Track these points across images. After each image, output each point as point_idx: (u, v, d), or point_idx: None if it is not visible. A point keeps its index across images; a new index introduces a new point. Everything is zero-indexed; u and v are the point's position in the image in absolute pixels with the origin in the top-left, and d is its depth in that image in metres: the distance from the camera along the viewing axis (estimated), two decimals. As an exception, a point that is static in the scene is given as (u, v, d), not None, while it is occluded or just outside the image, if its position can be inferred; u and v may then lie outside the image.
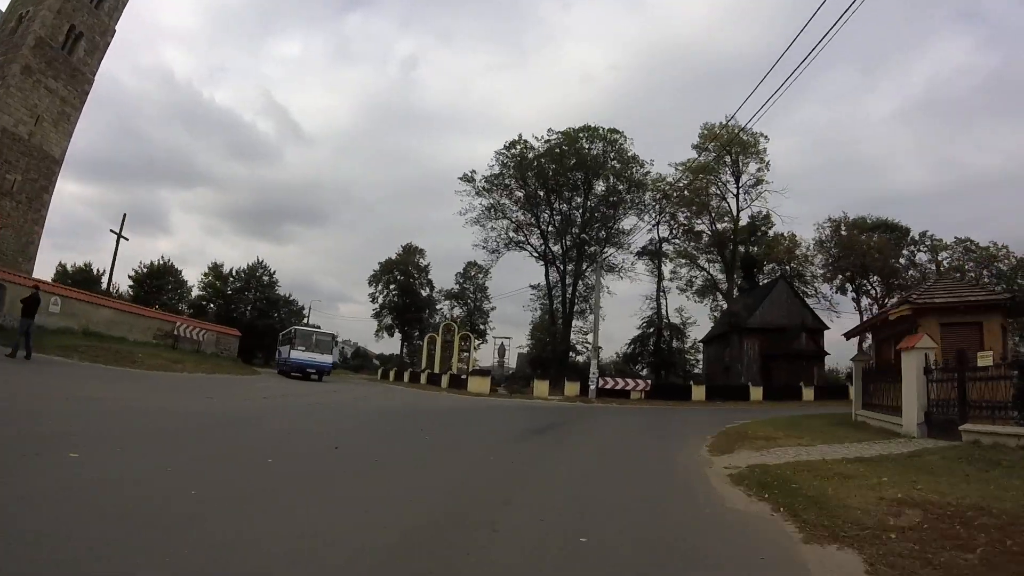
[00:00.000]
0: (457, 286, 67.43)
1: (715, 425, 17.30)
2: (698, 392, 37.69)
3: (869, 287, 56.58)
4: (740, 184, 45.61)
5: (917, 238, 56.41)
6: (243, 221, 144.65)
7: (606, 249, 51.88)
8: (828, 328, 51.91)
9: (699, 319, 63.03)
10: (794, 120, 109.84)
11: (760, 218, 45.39)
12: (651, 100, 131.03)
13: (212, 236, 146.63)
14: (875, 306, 57.24)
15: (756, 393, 38.04)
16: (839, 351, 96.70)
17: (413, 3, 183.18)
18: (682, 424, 20.17)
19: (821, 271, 58.89)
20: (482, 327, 66.37)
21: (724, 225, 46.74)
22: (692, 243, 49.61)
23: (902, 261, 55.83)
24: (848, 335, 28.30)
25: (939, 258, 58.89)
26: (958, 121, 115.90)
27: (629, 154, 49.12)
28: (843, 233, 56.03)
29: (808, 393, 38.63)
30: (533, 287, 56.36)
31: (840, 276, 56.85)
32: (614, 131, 49.11)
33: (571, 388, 35.98)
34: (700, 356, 65.33)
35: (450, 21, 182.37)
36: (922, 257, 57.55)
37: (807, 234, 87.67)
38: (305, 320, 63.68)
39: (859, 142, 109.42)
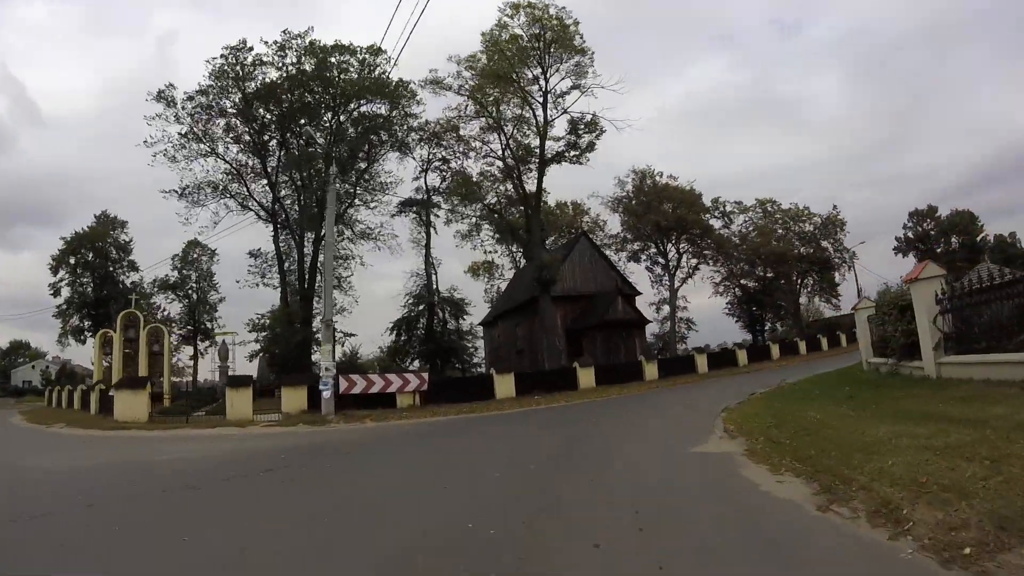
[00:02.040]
0: (176, 273, 49.54)
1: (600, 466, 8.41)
2: (505, 385, 24.86)
3: (671, 248, 49.47)
4: (549, 84, 33.26)
5: (710, 204, 50.21)
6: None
7: (357, 201, 37.51)
8: (640, 293, 43.18)
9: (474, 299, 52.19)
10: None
11: (583, 124, 33.66)
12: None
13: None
14: (678, 272, 50.81)
15: (587, 377, 27.00)
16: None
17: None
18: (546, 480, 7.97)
19: (620, 234, 51.38)
20: (209, 324, 51.07)
21: (530, 140, 34.30)
22: (478, 172, 36.33)
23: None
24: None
25: (741, 221, 55.51)
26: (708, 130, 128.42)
27: (392, 84, 34.97)
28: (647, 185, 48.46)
29: (651, 370, 29.75)
30: (254, 256, 39.10)
31: (640, 241, 49.41)
32: (376, 50, 34.61)
33: (294, 400, 21.18)
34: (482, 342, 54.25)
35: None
36: (715, 223, 53.38)
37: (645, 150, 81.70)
38: None
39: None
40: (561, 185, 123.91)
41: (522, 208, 35.22)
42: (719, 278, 54.92)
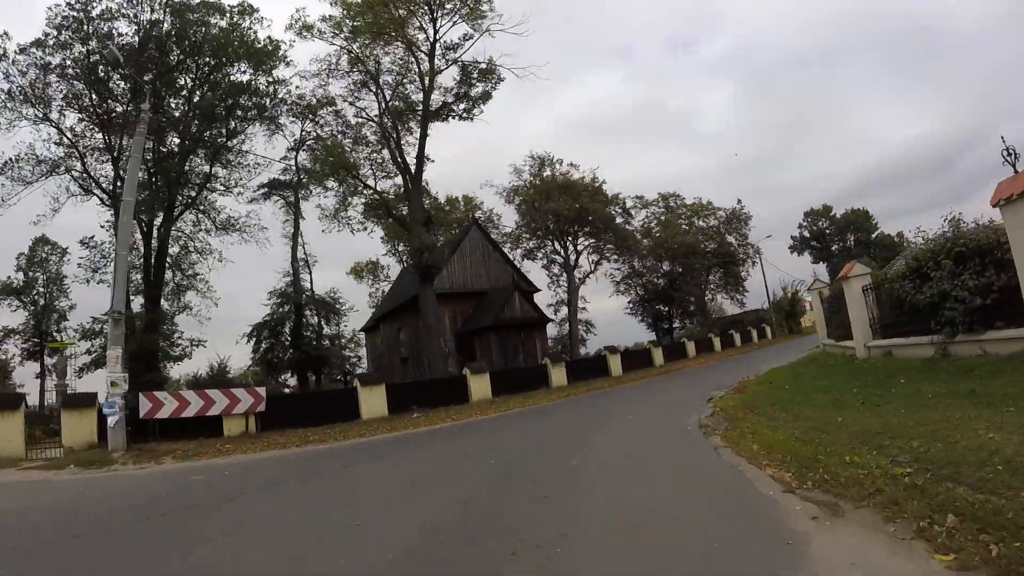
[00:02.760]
0: (20, 275, 41.38)
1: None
2: (373, 401, 20.29)
3: (571, 244, 46.21)
4: (439, 34, 28.49)
5: (610, 198, 47.36)
6: None
7: (219, 185, 32.00)
8: (539, 290, 39.59)
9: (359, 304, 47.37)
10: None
11: (477, 72, 29.06)
12: None
13: None
14: (577, 270, 47.65)
15: (480, 386, 23.03)
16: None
17: None
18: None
19: (515, 231, 47.69)
20: (56, 334, 41.91)
21: (413, 97, 29.45)
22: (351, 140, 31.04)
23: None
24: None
25: (643, 216, 53.11)
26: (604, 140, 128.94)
27: (260, 43, 29.63)
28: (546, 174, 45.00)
29: (558, 374, 25.95)
30: (87, 246, 31.87)
31: (538, 233, 45.91)
32: (248, 8, 29.03)
33: (80, 428, 16.02)
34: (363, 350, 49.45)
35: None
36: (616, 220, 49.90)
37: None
38: None
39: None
40: (452, 177, 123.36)
41: (402, 185, 30.36)
42: (620, 276, 52.30)
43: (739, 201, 55.98)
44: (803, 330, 55.08)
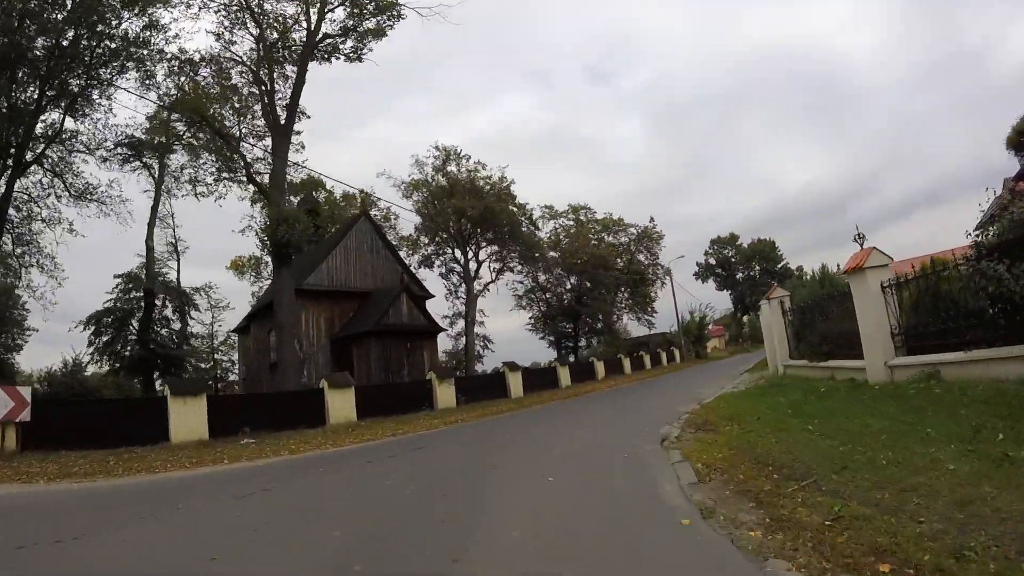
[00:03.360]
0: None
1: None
2: (189, 418, 15.31)
3: (472, 249, 42.37)
4: None
5: (517, 204, 43.72)
6: None
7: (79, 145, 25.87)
8: (433, 296, 35.35)
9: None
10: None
11: (373, 4, 24.26)
12: None
13: None
14: (477, 282, 43.80)
15: (342, 404, 18.75)
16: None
17: None
18: None
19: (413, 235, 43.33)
20: None
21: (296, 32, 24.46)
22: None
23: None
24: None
25: (552, 227, 49.74)
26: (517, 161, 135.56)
27: None
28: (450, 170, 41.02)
29: (446, 393, 22.11)
30: None
31: (438, 237, 41.82)
32: None
33: None
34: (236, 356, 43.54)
35: None
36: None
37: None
38: None
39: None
40: (351, 167, 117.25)
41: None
42: (523, 290, 48.65)
43: (651, 219, 54.10)
44: (709, 356, 53.54)
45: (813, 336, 14.48)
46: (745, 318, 73.48)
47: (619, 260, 50.53)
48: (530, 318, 50.14)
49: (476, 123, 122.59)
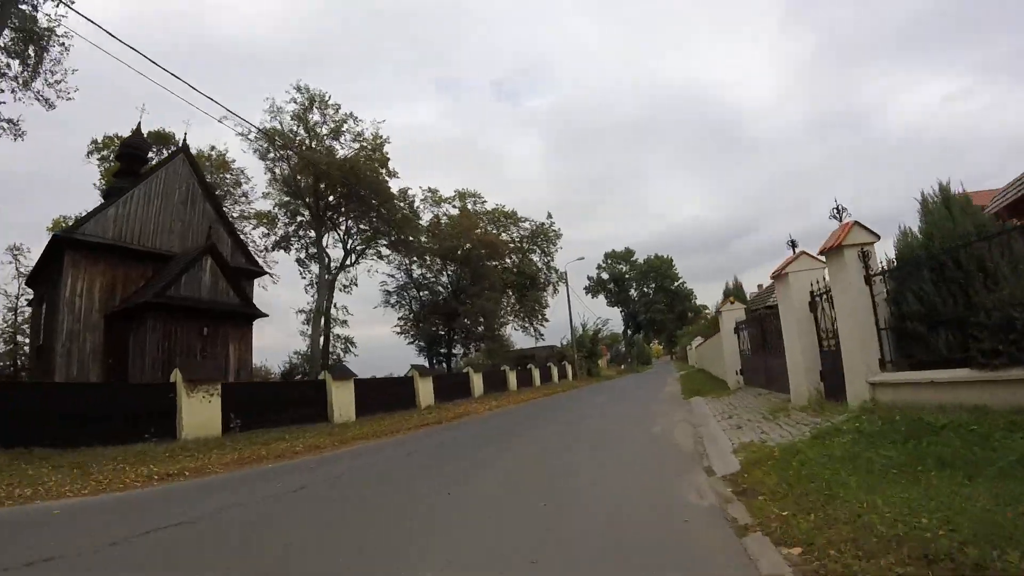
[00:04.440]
0: None
1: None
2: None
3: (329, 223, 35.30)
4: None
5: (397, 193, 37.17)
6: None
7: None
8: (269, 274, 27.78)
9: None
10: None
11: None
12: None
13: None
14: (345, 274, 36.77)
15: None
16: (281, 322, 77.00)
17: None
18: None
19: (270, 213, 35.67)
20: None
21: None
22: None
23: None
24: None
25: (437, 213, 42.68)
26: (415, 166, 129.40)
27: None
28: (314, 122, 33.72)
29: (198, 412, 13.45)
30: None
31: (295, 206, 34.46)
32: None
33: None
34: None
35: None
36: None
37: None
38: None
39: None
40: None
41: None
42: (394, 285, 41.30)
43: (549, 215, 48.12)
44: (600, 373, 48.41)
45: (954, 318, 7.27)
46: (637, 336, 70.19)
47: (509, 259, 44.41)
48: (399, 319, 42.35)
49: (384, 129, 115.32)
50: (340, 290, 37.31)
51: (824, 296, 8.66)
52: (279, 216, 35.19)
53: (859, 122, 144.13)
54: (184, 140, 26.15)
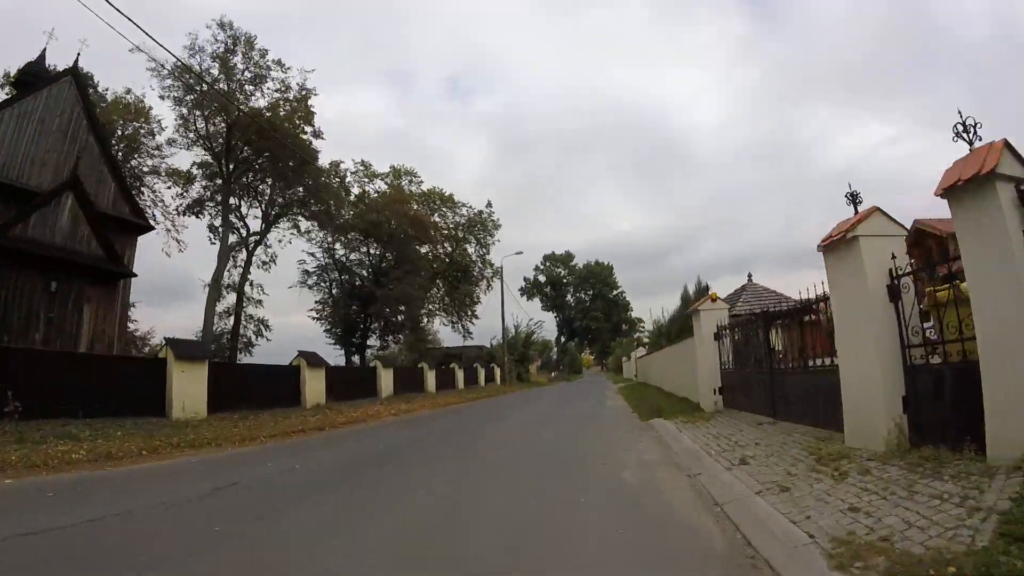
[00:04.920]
0: None
1: None
2: None
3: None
4: None
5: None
6: None
7: None
8: (152, 229, 23.99)
9: None
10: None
11: None
12: None
13: None
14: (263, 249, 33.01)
15: None
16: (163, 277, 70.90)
17: None
18: None
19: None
20: None
21: None
22: None
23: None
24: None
25: (373, 187, 38.79)
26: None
27: None
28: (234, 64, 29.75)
29: None
30: None
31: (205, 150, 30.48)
32: None
33: None
34: None
35: None
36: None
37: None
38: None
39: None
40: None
41: None
42: (314, 265, 37.34)
43: (489, 204, 44.88)
44: (531, 379, 45.63)
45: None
46: (570, 344, 67.82)
47: (441, 247, 40.97)
48: (316, 302, 37.75)
49: (324, 114, 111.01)
50: (259, 267, 33.55)
51: (916, 275, 5.87)
52: (197, 177, 31.02)
53: (798, 153, 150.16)
54: (76, 61, 21.76)
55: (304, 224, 33.76)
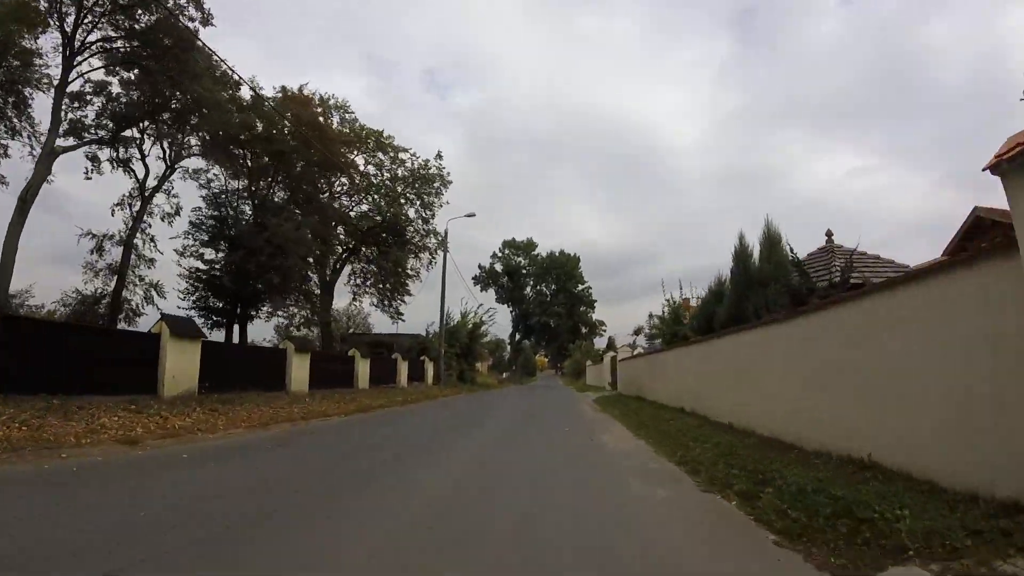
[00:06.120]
0: None
1: None
2: None
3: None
4: None
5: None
6: None
7: None
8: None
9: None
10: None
11: None
12: None
13: None
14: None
15: None
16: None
17: None
18: None
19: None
20: None
21: None
22: None
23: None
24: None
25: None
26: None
27: None
28: None
29: None
30: None
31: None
32: None
33: None
34: None
35: None
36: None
37: None
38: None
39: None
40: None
41: None
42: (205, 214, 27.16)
43: (439, 155, 35.14)
44: (477, 380, 37.19)
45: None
46: (526, 342, 59.91)
47: (370, 198, 31.88)
48: (189, 251, 26.44)
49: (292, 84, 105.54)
50: (163, 220, 25.34)
51: None
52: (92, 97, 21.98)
53: (768, 177, 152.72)
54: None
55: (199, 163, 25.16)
